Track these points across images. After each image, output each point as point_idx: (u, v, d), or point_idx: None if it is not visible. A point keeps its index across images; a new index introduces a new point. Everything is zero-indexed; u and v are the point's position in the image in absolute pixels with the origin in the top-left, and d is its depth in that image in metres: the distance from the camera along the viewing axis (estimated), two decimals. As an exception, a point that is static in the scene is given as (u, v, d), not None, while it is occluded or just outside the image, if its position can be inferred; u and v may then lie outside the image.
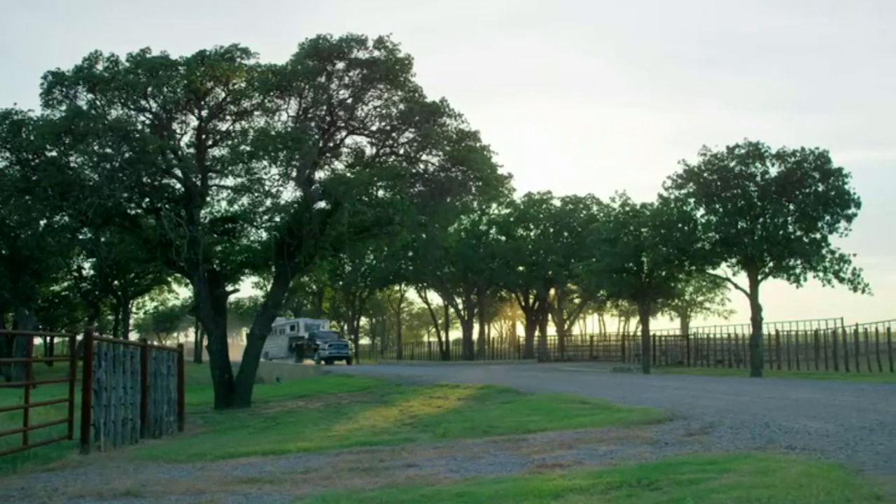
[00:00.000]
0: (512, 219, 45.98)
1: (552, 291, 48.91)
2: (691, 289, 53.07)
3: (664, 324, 64.30)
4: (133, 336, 73.22)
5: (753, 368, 24.87)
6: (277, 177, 21.06)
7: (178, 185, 21.95)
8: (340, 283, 53.44)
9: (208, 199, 22.89)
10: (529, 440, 8.91)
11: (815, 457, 5.63)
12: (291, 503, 5.75)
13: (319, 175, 22.29)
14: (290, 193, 22.41)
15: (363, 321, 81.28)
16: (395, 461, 7.77)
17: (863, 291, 24.29)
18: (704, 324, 66.51)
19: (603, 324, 74.18)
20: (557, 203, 46.30)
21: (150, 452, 10.64)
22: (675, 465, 5.59)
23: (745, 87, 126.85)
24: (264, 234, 23.75)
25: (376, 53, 21.64)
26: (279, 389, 28.18)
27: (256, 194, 22.77)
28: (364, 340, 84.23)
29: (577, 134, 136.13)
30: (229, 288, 25.20)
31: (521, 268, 45.34)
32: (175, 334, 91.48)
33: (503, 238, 46.09)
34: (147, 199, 21.44)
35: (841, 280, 24.41)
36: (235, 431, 14.32)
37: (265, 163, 20.78)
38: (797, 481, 4.43)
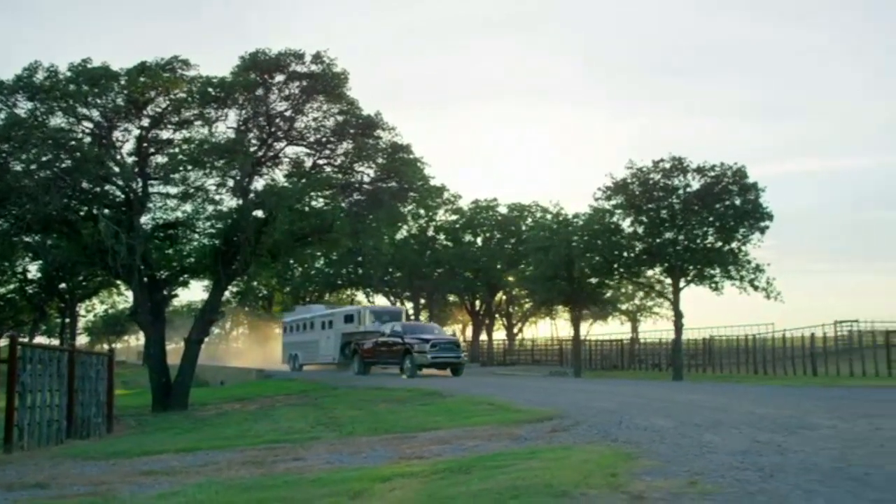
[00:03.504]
0: (458, 225, 46.96)
1: (498, 296, 50.07)
2: (641, 294, 54.86)
3: (615, 328, 66.02)
4: (82, 339, 72.76)
5: (675, 372, 26.18)
6: (213, 186, 21.88)
7: (118, 193, 22.53)
8: (289, 287, 53.89)
9: (150, 205, 23.47)
10: (418, 437, 9.80)
11: (621, 447, 6.61)
12: (174, 491, 6.55)
13: (260, 183, 23.10)
14: (231, 201, 23.21)
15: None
16: (286, 456, 8.61)
17: (775, 299, 25.80)
18: (654, 328, 68.18)
19: (555, 328, 75.51)
20: (503, 210, 47.43)
21: (72, 451, 11.35)
22: (501, 456, 6.54)
23: (710, 93, 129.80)
24: (206, 241, 24.47)
25: (314, 68, 22.52)
26: (220, 392, 28.77)
27: (199, 201, 23.53)
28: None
29: (544, 138, 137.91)
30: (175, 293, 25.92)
31: (467, 273, 46.33)
32: (126, 337, 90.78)
33: (450, 244, 47.05)
34: (85, 207, 21.96)
35: (756, 288, 25.88)
36: (162, 432, 15.00)
37: (201, 173, 21.54)
38: (570, 465, 5.39)
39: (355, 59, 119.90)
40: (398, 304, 52.46)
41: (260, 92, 22.74)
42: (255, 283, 53.48)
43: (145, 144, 22.91)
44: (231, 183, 22.13)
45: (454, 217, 47.52)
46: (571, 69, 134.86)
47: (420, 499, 4.74)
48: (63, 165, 20.47)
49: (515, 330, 53.39)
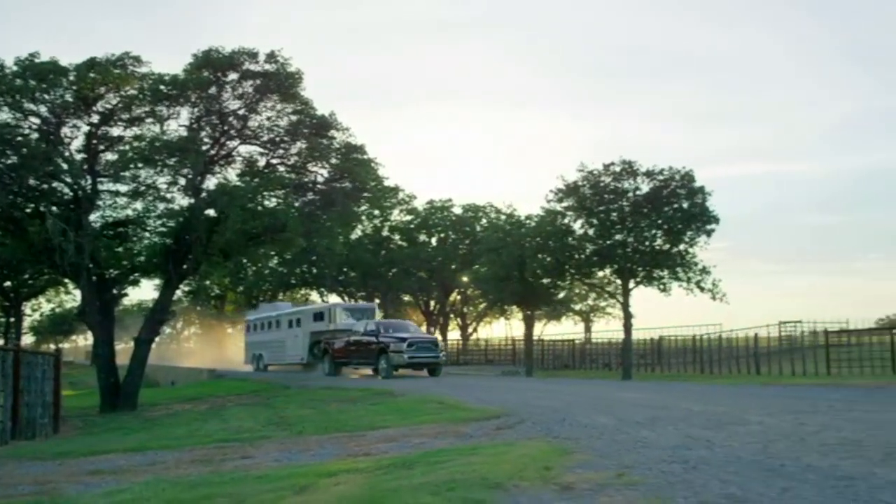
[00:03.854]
0: (413, 225, 47.14)
1: (453, 296, 50.36)
2: (594, 294, 55.76)
3: (568, 328, 66.80)
4: (28, 339, 71.00)
5: (624, 371, 26.71)
6: (165, 185, 21.71)
7: (67, 190, 22.19)
8: (241, 287, 53.43)
9: (99, 203, 23.16)
10: (367, 436, 9.95)
11: (560, 443, 6.88)
12: (121, 489, 6.61)
13: (212, 182, 22.97)
14: (182, 199, 23.02)
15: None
16: (235, 455, 8.70)
17: (720, 300, 26.51)
18: (606, 328, 68.97)
19: (509, 328, 75.97)
20: (458, 210, 47.75)
21: (17, 452, 11.26)
22: (444, 452, 6.75)
23: (663, 97, 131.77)
24: (157, 239, 24.23)
25: (268, 67, 22.49)
26: (171, 393, 28.51)
27: (150, 199, 23.29)
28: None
29: (500, 139, 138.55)
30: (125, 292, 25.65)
31: (422, 273, 46.52)
32: (74, 337, 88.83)
33: (405, 244, 47.19)
34: (32, 204, 21.60)
35: (702, 289, 26.56)
36: (110, 433, 14.88)
37: (152, 171, 21.35)
38: (508, 459, 5.63)
39: (310, 57, 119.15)
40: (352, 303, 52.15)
41: (213, 90, 22.62)
42: (207, 283, 52.83)
43: (95, 141, 22.61)
44: (183, 181, 21.99)
45: (409, 217, 47.68)
46: (527, 71, 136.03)
47: (362, 492, 4.91)
48: (9, 162, 20.14)
49: (470, 330, 53.71)
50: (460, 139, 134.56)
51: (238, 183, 21.90)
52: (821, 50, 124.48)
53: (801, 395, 13.56)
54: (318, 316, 31.79)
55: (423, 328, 53.03)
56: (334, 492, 5.05)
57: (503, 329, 76.22)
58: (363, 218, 32.41)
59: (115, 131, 23.06)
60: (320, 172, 23.18)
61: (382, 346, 24.97)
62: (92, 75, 21.65)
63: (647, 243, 26.83)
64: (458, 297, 51.02)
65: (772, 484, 4.46)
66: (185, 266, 22.14)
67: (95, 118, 22.47)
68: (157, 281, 28.23)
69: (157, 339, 26.05)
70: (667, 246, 26.90)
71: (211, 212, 22.17)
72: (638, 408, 11.06)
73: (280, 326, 34.99)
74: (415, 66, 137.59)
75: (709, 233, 26.49)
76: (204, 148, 22.29)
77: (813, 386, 18.48)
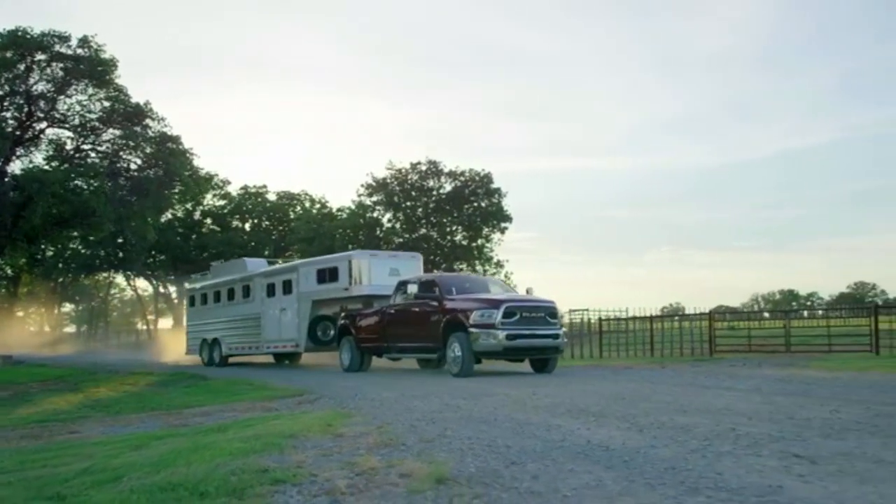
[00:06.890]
0: (226, 210, 47.29)
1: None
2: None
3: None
4: None
5: (424, 355, 29.18)
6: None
7: None
8: (39, 268, 50.92)
9: None
10: (184, 412, 11.27)
11: (347, 411, 8.71)
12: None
13: (17, 165, 22.63)
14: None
15: (68, 307, 77.11)
16: (61, 431, 9.76)
17: (512, 292, 29.69)
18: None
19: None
20: (273, 197, 48.45)
21: None
22: (253, 420, 8.38)
23: (478, 91, 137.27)
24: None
25: (80, 51, 22.50)
26: (-39, 380, 27.28)
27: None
28: (70, 328, 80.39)
29: (317, 123, 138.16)
30: None
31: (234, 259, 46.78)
32: None
33: (217, 229, 47.25)
34: None
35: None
36: None
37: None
38: (302, 422, 7.39)
39: (121, 31, 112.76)
40: (161, 289, 50.93)
41: (20, 69, 22.31)
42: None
43: None
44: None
45: (222, 202, 47.78)
46: (346, 58, 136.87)
47: (187, 445, 6.42)
48: None
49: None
50: (279, 123, 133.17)
51: (47, 168, 21.82)
52: (625, 52, 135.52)
53: (558, 374, 16.22)
54: (327, 274, 20.32)
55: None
56: (164, 447, 6.53)
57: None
58: (175, 202, 32.56)
59: None
60: (133, 160, 23.53)
61: (452, 319, 15.13)
62: None
63: (448, 238, 29.53)
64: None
65: (476, 428, 6.52)
66: (-15, 250, 21.72)
67: None
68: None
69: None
70: (466, 241, 29.74)
71: (13, 193, 21.91)
72: (419, 385, 13.11)
73: (251, 295, 23.36)
74: (236, 43, 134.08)
75: (503, 230, 29.69)
76: (8, 130, 21.98)
77: (579, 367, 21.46)
